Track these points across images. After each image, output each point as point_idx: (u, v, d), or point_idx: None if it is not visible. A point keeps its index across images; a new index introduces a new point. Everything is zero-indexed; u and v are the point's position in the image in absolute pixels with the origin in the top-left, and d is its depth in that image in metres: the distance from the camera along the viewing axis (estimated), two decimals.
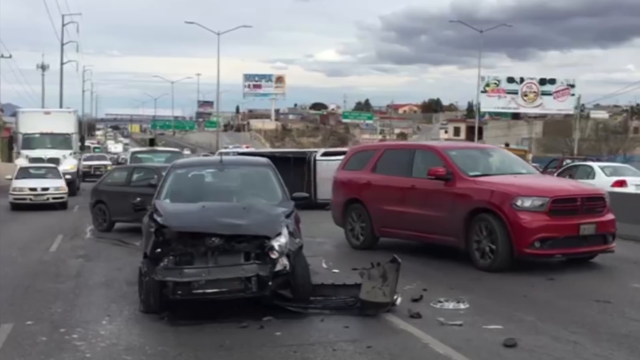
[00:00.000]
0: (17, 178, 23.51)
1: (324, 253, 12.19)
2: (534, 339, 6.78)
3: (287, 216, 8.29)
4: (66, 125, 30.48)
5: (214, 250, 7.61)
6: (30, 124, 29.98)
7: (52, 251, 13.35)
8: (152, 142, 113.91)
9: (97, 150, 68.83)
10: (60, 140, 29.37)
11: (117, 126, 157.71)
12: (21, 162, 27.10)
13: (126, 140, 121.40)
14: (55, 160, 27.10)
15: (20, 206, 22.45)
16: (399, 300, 7.97)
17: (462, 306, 8.16)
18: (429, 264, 11.07)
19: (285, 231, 7.87)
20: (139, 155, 27.48)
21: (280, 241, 7.71)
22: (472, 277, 10.05)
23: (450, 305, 8.19)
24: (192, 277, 7.41)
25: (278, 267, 7.65)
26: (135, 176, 17.10)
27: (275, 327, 7.25)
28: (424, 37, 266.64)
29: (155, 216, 8.09)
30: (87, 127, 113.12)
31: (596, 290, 9.10)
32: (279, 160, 17.45)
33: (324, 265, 10.96)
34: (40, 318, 7.74)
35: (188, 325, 7.35)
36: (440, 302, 8.29)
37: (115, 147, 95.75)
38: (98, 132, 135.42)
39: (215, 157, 11.40)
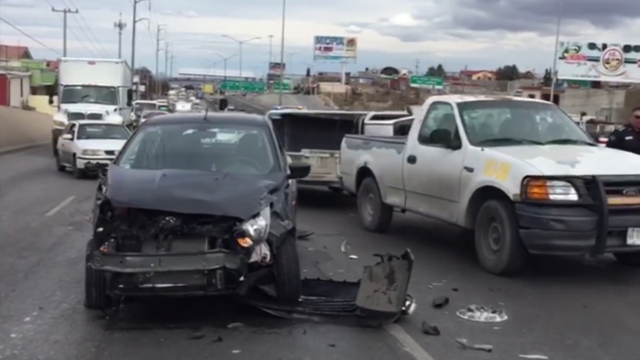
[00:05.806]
0: (79, 138, 19.44)
1: (348, 233, 10.30)
2: None
3: (273, 191, 6.39)
4: (112, 77, 27.93)
5: (167, 233, 5.81)
6: (72, 74, 27.49)
7: (48, 215, 11.88)
8: (223, 103, 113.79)
9: (162, 108, 67.99)
10: (104, 94, 26.70)
11: (191, 86, 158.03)
12: (60, 117, 25.11)
13: (197, 100, 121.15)
14: (97, 117, 24.59)
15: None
16: (412, 308, 6.01)
17: (498, 318, 6.16)
18: (465, 255, 8.64)
19: (266, 211, 5.99)
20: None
21: (258, 224, 5.85)
22: (519, 275, 7.86)
23: (483, 316, 6.19)
24: (137, 267, 5.62)
25: (254, 258, 5.85)
26: None
27: (239, 340, 5.44)
28: (503, 1, 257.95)
29: (103, 186, 6.35)
30: (160, 86, 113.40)
31: None
32: (323, 123, 15.57)
33: (342, 249, 9.02)
34: None
35: (128, 330, 5.64)
36: (470, 310, 6.28)
37: (183, 106, 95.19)
38: (171, 92, 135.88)
39: (199, 114, 9.46)
